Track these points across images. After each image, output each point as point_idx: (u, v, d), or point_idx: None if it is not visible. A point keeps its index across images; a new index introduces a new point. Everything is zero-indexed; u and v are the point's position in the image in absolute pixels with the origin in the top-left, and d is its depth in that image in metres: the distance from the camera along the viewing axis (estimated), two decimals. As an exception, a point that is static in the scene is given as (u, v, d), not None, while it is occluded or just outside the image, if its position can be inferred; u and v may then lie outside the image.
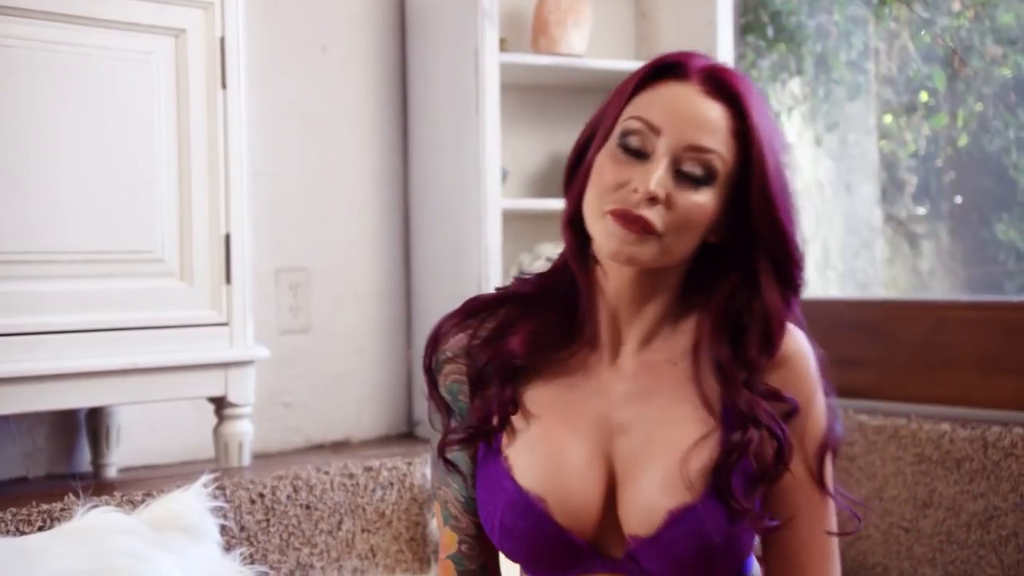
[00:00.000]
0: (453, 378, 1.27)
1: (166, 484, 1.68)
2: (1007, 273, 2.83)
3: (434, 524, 1.92)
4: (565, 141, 2.74)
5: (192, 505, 1.54)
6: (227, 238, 1.92)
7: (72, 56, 1.76)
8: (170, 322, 1.88)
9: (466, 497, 1.29)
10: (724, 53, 2.63)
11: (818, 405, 1.28)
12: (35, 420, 2.08)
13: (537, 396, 1.25)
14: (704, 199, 1.18)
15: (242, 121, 1.93)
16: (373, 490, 1.91)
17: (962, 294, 2.92)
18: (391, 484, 1.92)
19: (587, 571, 1.23)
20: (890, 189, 3.13)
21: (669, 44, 2.76)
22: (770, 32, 3.04)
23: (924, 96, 2.99)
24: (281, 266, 2.38)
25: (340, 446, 2.42)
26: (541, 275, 1.29)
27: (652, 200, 1.16)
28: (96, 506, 1.53)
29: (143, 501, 1.59)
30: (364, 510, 1.89)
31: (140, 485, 1.71)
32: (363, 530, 1.88)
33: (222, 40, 1.91)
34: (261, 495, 1.77)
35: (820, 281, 3.23)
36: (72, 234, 1.78)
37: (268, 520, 1.77)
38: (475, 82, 2.33)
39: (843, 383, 2.59)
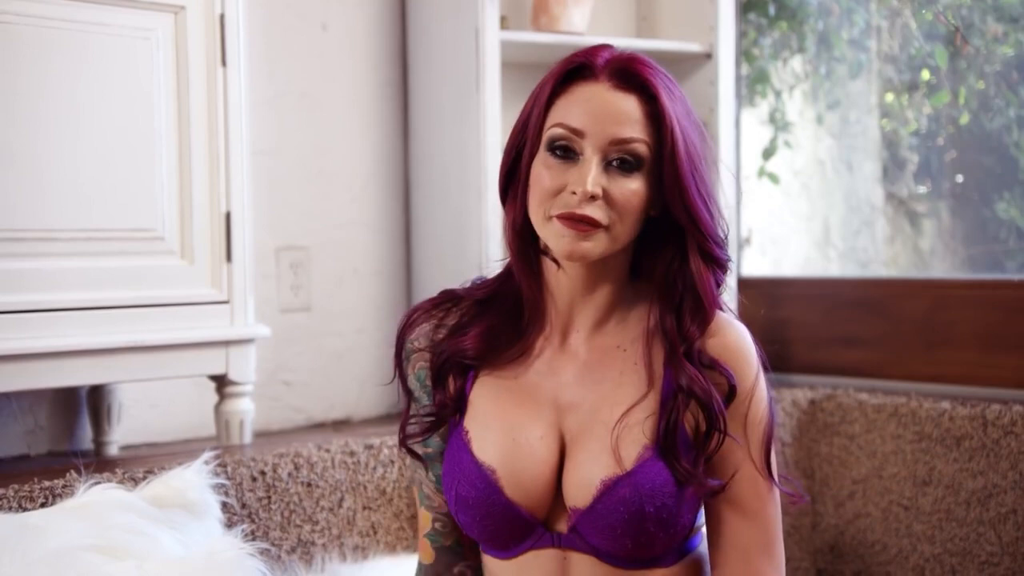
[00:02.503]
0: (420, 365, 1.38)
1: (167, 461, 1.68)
2: (1008, 252, 2.83)
3: None
4: (566, 119, 2.73)
5: (193, 482, 1.54)
6: (227, 216, 1.92)
7: (71, 33, 1.76)
8: (171, 300, 1.88)
9: (437, 476, 1.38)
10: (725, 31, 2.62)
11: (760, 392, 1.32)
12: (36, 398, 2.08)
13: (494, 381, 1.35)
14: (636, 185, 1.29)
15: (242, 99, 1.93)
16: (374, 468, 1.91)
17: (963, 273, 2.92)
18: (392, 462, 1.93)
19: (536, 546, 1.31)
20: (891, 168, 3.13)
21: (669, 22, 2.75)
22: (772, 10, 3.03)
23: (926, 74, 2.98)
24: (281, 245, 2.38)
25: (341, 424, 2.42)
26: (494, 279, 1.39)
27: (592, 198, 1.27)
28: (98, 483, 1.53)
29: (144, 478, 1.59)
30: (365, 488, 1.89)
31: (141, 462, 1.72)
32: (364, 507, 1.89)
33: (222, 17, 1.90)
34: (262, 472, 1.77)
35: (821, 260, 3.23)
36: (73, 212, 1.77)
37: (269, 497, 1.78)
38: (476, 60, 2.32)
39: (843, 361, 2.61)
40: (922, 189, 3.10)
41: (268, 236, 2.34)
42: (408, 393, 1.39)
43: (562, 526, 1.31)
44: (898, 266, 3.14)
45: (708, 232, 1.31)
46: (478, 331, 1.35)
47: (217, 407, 1.99)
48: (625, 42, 2.60)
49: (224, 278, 1.92)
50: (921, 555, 2.24)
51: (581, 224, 1.27)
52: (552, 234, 1.29)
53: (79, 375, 1.82)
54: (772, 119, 3.10)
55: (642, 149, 1.29)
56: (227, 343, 1.93)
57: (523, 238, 1.34)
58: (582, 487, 1.28)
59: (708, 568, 1.35)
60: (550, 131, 1.30)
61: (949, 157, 3.11)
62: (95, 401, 2.08)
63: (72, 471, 1.59)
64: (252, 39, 2.19)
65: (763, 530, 1.31)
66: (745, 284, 2.76)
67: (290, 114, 2.37)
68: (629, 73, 1.32)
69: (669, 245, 1.34)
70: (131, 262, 1.84)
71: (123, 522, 1.45)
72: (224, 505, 1.66)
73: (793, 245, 3.25)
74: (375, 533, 1.90)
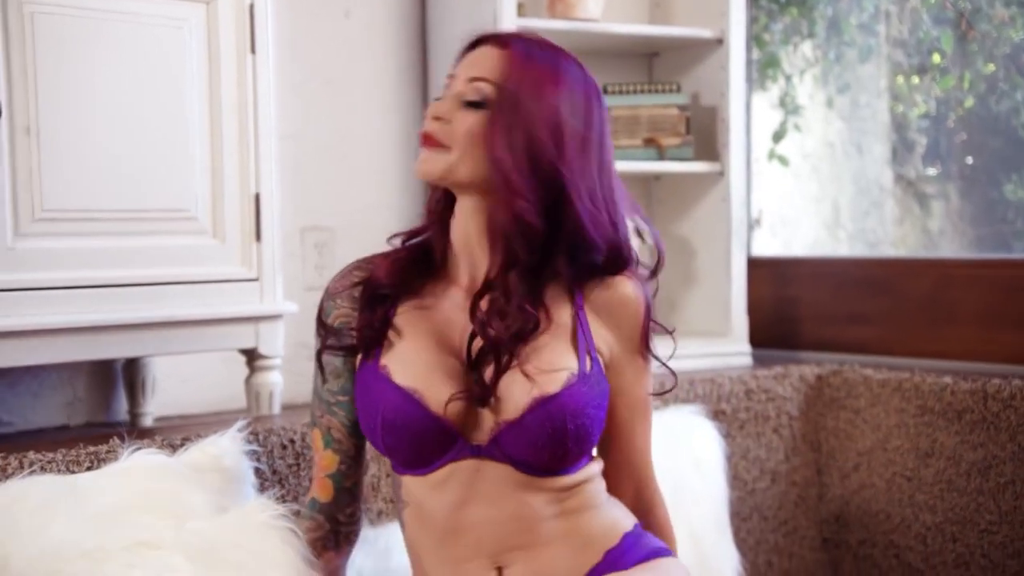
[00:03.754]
0: (340, 320, 1.54)
1: (203, 430, 1.77)
2: (1016, 232, 2.89)
3: None
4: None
5: (228, 449, 1.63)
6: (257, 198, 2.01)
7: (111, 23, 1.84)
8: (203, 277, 1.96)
9: (351, 422, 1.55)
10: (737, 17, 2.68)
11: (648, 320, 1.55)
12: (75, 370, 2.17)
13: (409, 317, 1.51)
14: (475, 118, 1.44)
15: (270, 85, 2.01)
16: (397, 438, 1.99)
17: (970, 253, 2.98)
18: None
19: (456, 458, 1.47)
20: (900, 150, 3.19)
21: (682, 8, 2.82)
22: (782, -4, 3.09)
23: (936, 58, 3.04)
24: (306, 225, 2.46)
25: (364, 398, 2.50)
26: (408, 231, 1.58)
27: (436, 120, 1.46)
28: (139, 448, 1.62)
29: (182, 445, 1.68)
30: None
31: (178, 431, 1.81)
32: (387, 475, 1.97)
33: (251, 6, 1.98)
34: (292, 441, 1.86)
35: (830, 241, 3.30)
36: (112, 193, 1.86)
37: (298, 464, 1.86)
38: (493, 46, 2.39)
39: (850, 338, 2.69)
40: (931, 171, 3.16)
41: (293, 217, 2.43)
42: (319, 359, 1.56)
43: (481, 438, 1.46)
44: (907, 246, 3.20)
45: (566, 180, 1.45)
46: (389, 262, 1.53)
47: (248, 380, 2.08)
48: (638, 28, 2.67)
49: (254, 257, 2.00)
50: (923, 524, 2.32)
51: (428, 141, 1.46)
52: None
53: (117, 348, 1.91)
54: (782, 103, 3.16)
55: (486, 88, 1.45)
56: (257, 319, 2.02)
57: (436, 191, 1.54)
58: (513, 401, 1.44)
59: (599, 471, 1.55)
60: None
61: (958, 139, 3.17)
62: (131, 374, 2.17)
63: (115, 437, 1.68)
64: (279, 27, 2.27)
65: (643, 402, 1.57)
66: (755, 264, 2.83)
67: (314, 100, 2.45)
68: (507, 35, 1.53)
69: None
70: (166, 241, 1.93)
71: (164, 485, 1.54)
72: (256, 471, 1.75)
73: (803, 226, 3.32)
74: (398, 500, 1.98)
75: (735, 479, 2.37)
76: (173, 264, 1.93)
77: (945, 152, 3.19)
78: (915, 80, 3.16)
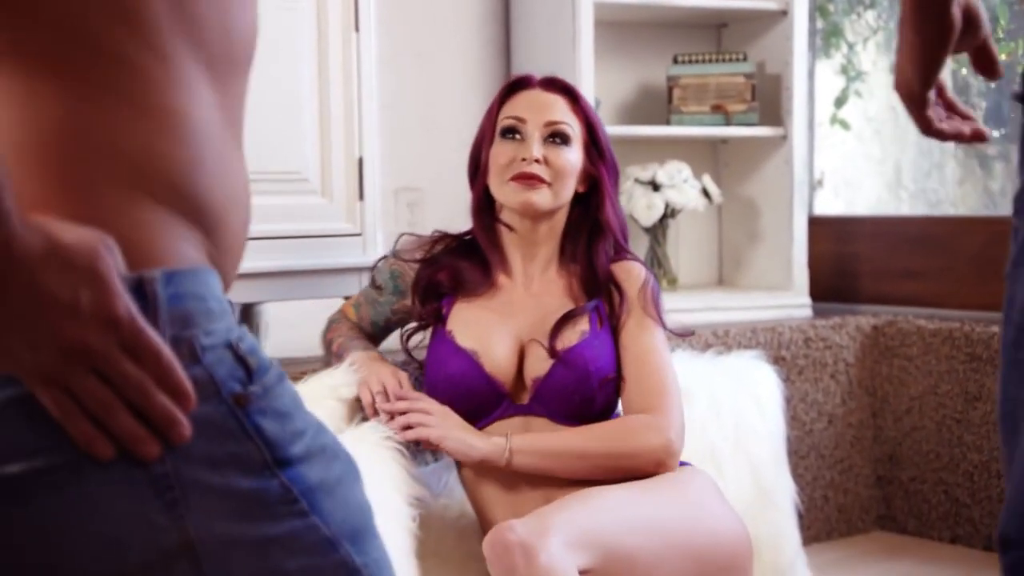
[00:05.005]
0: (394, 267, 1.96)
1: (316, 366, 2.01)
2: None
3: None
4: (652, 73, 3.00)
5: (344, 380, 1.87)
6: (360, 161, 2.23)
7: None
8: (313, 232, 2.20)
9: (373, 322, 2.01)
10: (800, -11, 2.83)
11: (649, 288, 1.88)
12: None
13: (469, 305, 1.87)
14: (570, 154, 1.84)
15: (372, 60, 2.23)
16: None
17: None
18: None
19: (503, 415, 1.80)
20: (962, 113, 3.31)
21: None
22: (846, -33, 3.22)
23: (998, 25, 3.16)
24: (400, 186, 2.69)
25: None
26: (460, 235, 1.95)
27: (536, 162, 1.80)
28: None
29: (301, 377, 1.92)
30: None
31: (296, 366, 2.05)
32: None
33: (355, -11, 2.20)
34: (393, 377, 2.09)
35: (892, 200, 3.44)
36: (234, 158, 2.10)
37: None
38: (572, 20, 2.58)
39: (905, 292, 2.86)
40: (994, 133, 3.28)
41: (388, 179, 2.66)
42: (374, 279, 1.97)
43: (524, 399, 1.81)
44: (967, 206, 3.33)
45: (610, 192, 1.89)
46: (449, 269, 1.89)
47: (352, 324, 2.31)
48: (708, 1, 2.84)
49: (358, 214, 2.23)
50: (970, 463, 2.50)
51: (531, 180, 1.80)
52: (509, 193, 1.82)
53: (240, 295, 2.15)
54: (844, 70, 3.31)
55: (568, 130, 1.84)
56: (360, 269, 2.25)
57: (483, 210, 1.89)
58: (541, 361, 1.80)
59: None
60: (501, 123, 1.85)
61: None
62: (247, 318, 2.42)
63: (243, 370, 1.93)
64: (377, 6, 2.49)
65: (658, 362, 1.84)
66: (816, 222, 3.00)
67: (407, 72, 2.68)
68: (556, 81, 1.88)
69: (582, 228, 1.90)
70: (281, 200, 2.16)
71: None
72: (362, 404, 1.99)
73: (866, 187, 3.47)
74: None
75: (794, 420, 2.56)
76: (287, 220, 2.17)
77: (1006, 114, 3.31)
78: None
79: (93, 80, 0.76)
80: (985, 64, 1.12)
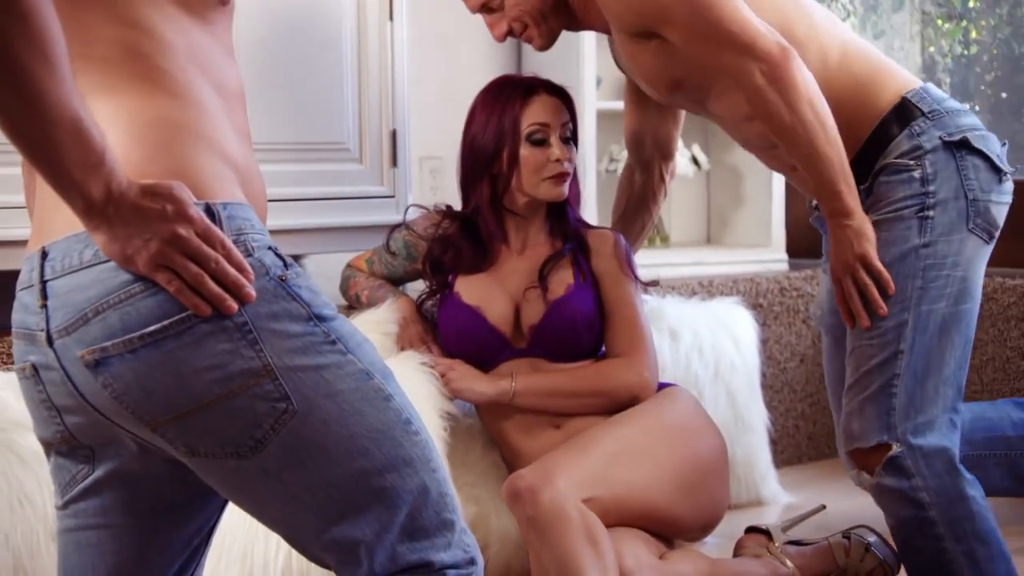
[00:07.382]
0: (407, 239, 2.32)
1: (356, 310, 2.36)
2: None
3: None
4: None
5: (387, 317, 2.22)
6: (393, 133, 2.57)
7: None
8: (352, 194, 2.52)
9: (387, 277, 2.38)
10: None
11: (622, 249, 2.28)
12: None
13: (473, 275, 2.23)
14: (574, 151, 2.23)
15: (404, 45, 2.56)
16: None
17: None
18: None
19: (507, 358, 2.19)
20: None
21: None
22: (822, -45, 3.52)
23: (972, 1, 3.46)
24: (423, 155, 3.03)
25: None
26: (462, 213, 2.29)
27: (567, 161, 2.19)
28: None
29: (348, 315, 2.27)
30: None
31: (341, 309, 2.40)
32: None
33: (389, -19, 2.53)
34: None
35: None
36: (287, 129, 2.43)
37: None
38: (575, 8, 2.91)
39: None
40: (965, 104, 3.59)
41: (413, 149, 2.99)
42: (388, 246, 2.33)
43: (523, 344, 2.19)
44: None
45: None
46: (453, 251, 2.23)
47: (385, 274, 2.65)
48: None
49: (391, 179, 2.57)
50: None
51: (565, 176, 2.18)
52: (547, 190, 2.18)
53: (289, 248, 2.48)
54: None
55: (571, 126, 2.23)
56: (394, 227, 2.59)
57: (494, 201, 2.21)
58: (536, 308, 2.18)
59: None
60: (528, 129, 2.18)
61: (988, 78, 3.63)
62: (294, 271, 2.77)
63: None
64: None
65: (631, 309, 2.21)
66: (793, 187, 3.32)
67: (429, 53, 3.01)
68: (554, 86, 2.24)
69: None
70: (325, 167, 2.49)
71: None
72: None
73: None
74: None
75: (770, 359, 2.92)
76: (330, 184, 2.50)
77: (973, 89, 3.65)
78: (943, 25, 3.61)
79: (165, 88, 1.23)
80: None
